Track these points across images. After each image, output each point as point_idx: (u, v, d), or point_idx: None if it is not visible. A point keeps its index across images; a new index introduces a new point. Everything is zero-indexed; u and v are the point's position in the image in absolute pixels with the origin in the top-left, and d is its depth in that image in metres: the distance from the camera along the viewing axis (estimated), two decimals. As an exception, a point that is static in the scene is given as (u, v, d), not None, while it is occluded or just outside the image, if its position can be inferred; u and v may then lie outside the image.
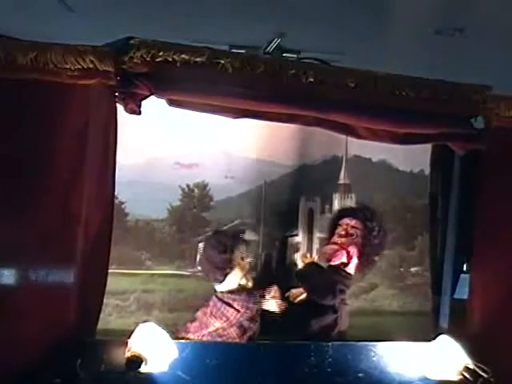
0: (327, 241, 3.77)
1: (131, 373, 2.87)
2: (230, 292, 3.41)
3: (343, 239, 3.70)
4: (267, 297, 3.47)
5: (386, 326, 3.74)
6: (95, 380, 2.88)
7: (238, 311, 3.37)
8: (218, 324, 3.37)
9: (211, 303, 3.44)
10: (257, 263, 3.79)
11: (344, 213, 3.80)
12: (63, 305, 2.92)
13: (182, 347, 3.07)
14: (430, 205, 4.02)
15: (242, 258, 3.46)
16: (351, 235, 3.70)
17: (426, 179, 4.03)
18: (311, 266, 3.75)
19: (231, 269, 3.40)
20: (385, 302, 3.80)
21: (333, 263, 3.67)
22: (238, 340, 3.40)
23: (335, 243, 3.70)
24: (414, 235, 4.06)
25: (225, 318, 3.35)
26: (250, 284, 3.48)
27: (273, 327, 3.51)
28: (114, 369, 2.93)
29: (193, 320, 3.45)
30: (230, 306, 3.38)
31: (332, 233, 3.77)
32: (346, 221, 3.74)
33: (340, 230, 3.73)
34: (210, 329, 3.39)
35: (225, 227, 3.71)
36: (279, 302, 3.50)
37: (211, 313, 3.38)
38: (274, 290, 3.49)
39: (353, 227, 3.71)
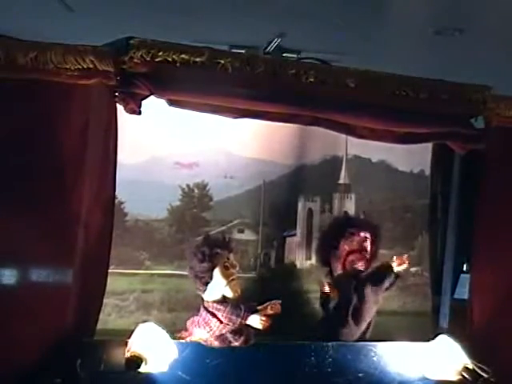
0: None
1: (131, 373, 2.88)
2: (216, 302, 3.26)
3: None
4: (264, 312, 3.26)
5: (385, 326, 3.73)
6: (95, 380, 2.88)
7: (221, 322, 3.23)
8: (202, 333, 3.25)
9: (199, 313, 3.32)
10: (256, 263, 3.79)
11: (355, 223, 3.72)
12: (63, 305, 2.91)
13: (181, 347, 3.07)
14: (430, 205, 4.02)
15: (226, 267, 3.26)
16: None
17: (426, 179, 4.04)
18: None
19: (210, 278, 3.24)
20: (384, 301, 3.78)
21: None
22: None
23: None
24: (414, 235, 4.06)
25: (208, 328, 3.22)
26: (237, 295, 3.28)
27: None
28: (113, 369, 2.93)
29: (185, 329, 3.40)
30: (214, 315, 3.24)
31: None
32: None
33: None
34: (195, 338, 3.27)
35: (223, 227, 3.72)
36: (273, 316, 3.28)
37: (198, 322, 3.27)
38: (271, 306, 3.27)
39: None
